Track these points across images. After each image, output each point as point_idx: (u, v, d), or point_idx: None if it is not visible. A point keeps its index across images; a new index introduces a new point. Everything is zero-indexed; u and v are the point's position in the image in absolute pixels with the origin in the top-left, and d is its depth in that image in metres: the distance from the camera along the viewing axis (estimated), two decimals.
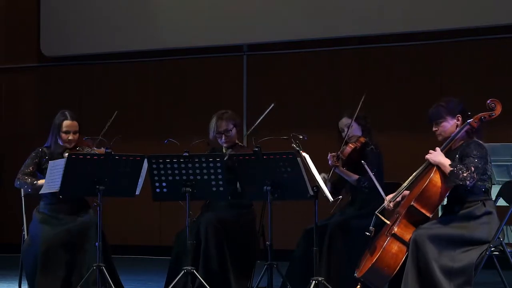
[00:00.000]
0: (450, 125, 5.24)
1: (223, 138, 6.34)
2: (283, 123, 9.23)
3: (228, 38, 9.70)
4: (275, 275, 5.66)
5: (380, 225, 5.32)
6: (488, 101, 5.20)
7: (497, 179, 6.84)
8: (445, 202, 5.28)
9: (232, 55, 9.86)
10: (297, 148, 5.65)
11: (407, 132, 8.97)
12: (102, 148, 6.05)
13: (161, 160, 5.70)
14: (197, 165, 5.67)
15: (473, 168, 4.97)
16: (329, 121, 9.09)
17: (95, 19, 10.21)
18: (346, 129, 6.13)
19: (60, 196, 5.88)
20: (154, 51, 10.13)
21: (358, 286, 5.23)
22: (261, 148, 5.62)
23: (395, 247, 5.05)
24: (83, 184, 5.73)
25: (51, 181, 5.82)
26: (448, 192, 5.08)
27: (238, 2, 9.68)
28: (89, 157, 5.80)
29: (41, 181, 6.00)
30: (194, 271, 5.73)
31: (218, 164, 5.67)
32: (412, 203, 5.06)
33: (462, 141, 5.21)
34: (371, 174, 5.57)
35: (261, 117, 6.22)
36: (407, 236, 5.04)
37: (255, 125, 6.24)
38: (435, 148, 5.19)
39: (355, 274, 5.25)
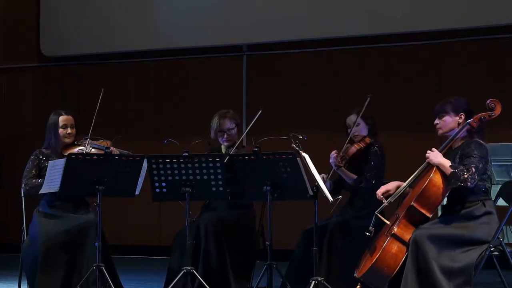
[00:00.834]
0: (451, 120, 5.24)
1: (224, 137, 6.34)
2: (283, 123, 9.24)
3: (228, 38, 9.70)
4: (275, 275, 5.66)
5: (380, 225, 5.32)
6: (488, 101, 5.20)
7: (497, 179, 6.83)
8: (445, 202, 5.28)
9: (232, 55, 9.86)
10: (297, 148, 5.65)
11: (406, 132, 8.97)
12: (100, 139, 6.06)
13: (161, 160, 5.70)
14: (196, 165, 5.67)
15: (473, 169, 4.97)
16: (329, 121, 9.15)
17: (95, 19, 10.21)
18: (352, 126, 6.13)
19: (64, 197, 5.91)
20: (154, 51, 10.13)
21: (358, 286, 5.22)
22: (260, 148, 5.62)
23: (395, 247, 5.05)
24: (83, 184, 5.73)
25: (50, 181, 5.82)
26: (448, 192, 5.08)
27: (238, 2, 9.68)
28: (88, 157, 5.81)
29: None
30: (193, 271, 5.73)
31: (218, 164, 5.66)
32: (412, 203, 5.06)
33: (463, 141, 5.21)
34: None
35: (250, 125, 6.21)
36: (407, 236, 5.04)
37: (245, 132, 6.23)
38: (436, 147, 5.19)
39: (355, 274, 5.25)
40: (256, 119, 6.14)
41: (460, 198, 5.12)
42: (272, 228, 5.64)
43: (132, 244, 9.87)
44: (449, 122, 5.25)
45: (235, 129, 6.37)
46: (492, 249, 5.05)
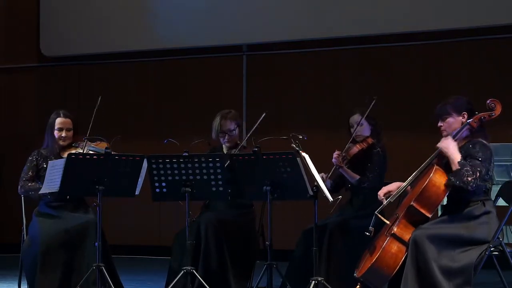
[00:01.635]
0: (455, 121, 5.23)
1: (226, 137, 6.34)
2: (283, 123, 9.24)
3: (227, 38, 9.70)
4: (275, 275, 5.66)
5: (379, 225, 5.32)
6: (488, 101, 5.20)
7: (496, 179, 6.82)
8: (445, 202, 5.28)
9: (231, 55, 9.86)
10: (297, 148, 5.65)
11: (406, 132, 8.97)
12: (98, 141, 6.05)
13: (160, 160, 5.70)
14: (196, 165, 5.67)
15: (478, 174, 4.96)
16: (329, 121, 9.15)
17: (95, 19, 10.21)
18: (355, 126, 6.13)
19: (68, 197, 5.90)
20: (154, 51, 10.13)
21: (358, 286, 5.22)
22: (260, 148, 5.62)
23: (395, 247, 5.04)
24: (83, 184, 5.72)
25: (50, 181, 5.82)
26: (448, 192, 5.08)
27: (238, 2, 9.68)
28: (88, 157, 5.80)
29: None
30: (193, 271, 5.73)
31: (218, 164, 5.66)
32: (411, 203, 5.06)
33: (465, 140, 5.20)
34: None
35: (254, 128, 6.20)
36: (407, 236, 5.03)
37: (249, 133, 6.23)
38: (435, 148, 5.19)
39: (355, 274, 5.25)
40: (260, 121, 6.14)
41: (460, 198, 5.11)
42: (272, 228, 5.64)
43: (132, 244, 9.86)
44: (452, 123, 5.23)
45: (237, 130, 6.37)
46: (492, 249, 5.05)
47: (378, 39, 9.23)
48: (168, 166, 5.70)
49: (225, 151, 6.37)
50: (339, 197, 5.83)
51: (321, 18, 9.28)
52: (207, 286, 5.71)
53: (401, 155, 8.12)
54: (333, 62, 9.46)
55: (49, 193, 5.93)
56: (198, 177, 5.69)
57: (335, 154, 6.05)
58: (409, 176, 5.28)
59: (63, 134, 6.17)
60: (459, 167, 4.99)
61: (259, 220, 6.28)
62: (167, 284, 6.03)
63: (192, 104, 9.89)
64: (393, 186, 5.37)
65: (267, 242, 5.67)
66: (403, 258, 5.02)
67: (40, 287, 5.87)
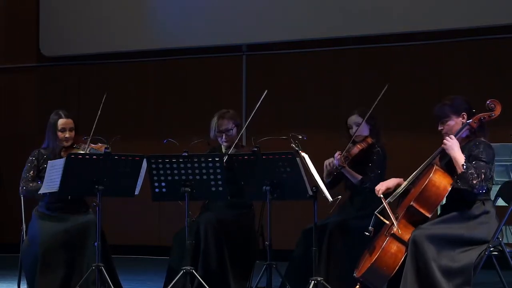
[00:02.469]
0: (454, 123, 5.22)
1: (223, 137, 6.34)
2: (283, 123, 9.24)
3: (228, 38, 9.70)
4: (274, 275, 5.66)
5: (379, 225, 5.32)
6: (487, 102, 5.19)
7: (496, 179, 6.82)
8: (444, 201, 5.27)
9: (231, 55, 9.86)
10: (296, 148, 5.65)
11: (406, 132, 8.97)
12: (99, 144, 6.05)
13: (160, 160, 5.70)
14: (196, 165, 5.67)
15: (483, 176, 4.95)
16: (329, 121, 9.14)
17: (95, 19, 10.21)
18: (354, 127, 6.12)
19: (69, 197, 5.90)
20: (154, 51, 10.13)
21: (358, 286, 5.22)
22: (260, 148, 5.61)
23: (394, 247, 5.04)
24: (83, 184, 5.72)
25: (50, 181, 5.82)
26: (448, 192, 5.07)
27: (238, 2, 9.68)
28: (88, 157, 5.80)
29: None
30: (193, 271, 5.73)
31: (218, 164, 5.66)
32: (411, 203, 5.06)
33: (466, 140, 5.19)
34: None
35: (256, 106, 6.19)
36: (406, 236, 5.03)
37: (251, 115, 6.22)
38: (436, 147, 5.18)
39: (354, 274, 5.25)
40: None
41: (460, 198, 5.11)
42: (271, 228, 5.64)
43: (132, 244, 9.86)
44: (453, 125, 5.22)
45: (234, 130, 6.36)
46: (491, 249, 5.05)
47: (378, 39, 9.22)
48: (167, 166, 5.69)
49: (223, 150, 6.37)
50: (339, 197, 5.82)
51: (321, 18, 9.28)
52: (206, 286, 5.71)
53: (401, 155, 8.12)
54: (333, 62, 9.46)
55: (49, 193, 5.94)
56: (197, 177, 5.69)
57: (336, 155, 6.04)
58: (409, 176, 5.28)
59: (67, 135, 6.17)
60: (464, 170, 4.98)
61: (259, 220, 6.27)
62: (166, 284, 6.02)
63: (191, 104, 9.88)
64: (391, 183, 5.37)
65: (266, 242, 5.67)
66: (402, 258, 5.02)
67: (40, 287, 5.87)
